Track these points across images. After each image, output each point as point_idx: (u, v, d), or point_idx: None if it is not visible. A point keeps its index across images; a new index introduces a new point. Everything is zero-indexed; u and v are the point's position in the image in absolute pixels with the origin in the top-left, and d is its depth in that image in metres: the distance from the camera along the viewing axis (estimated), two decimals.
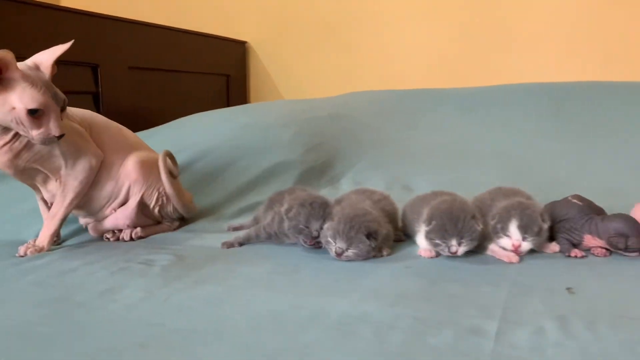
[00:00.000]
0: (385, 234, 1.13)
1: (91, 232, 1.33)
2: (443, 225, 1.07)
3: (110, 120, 1.37)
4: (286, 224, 1.13)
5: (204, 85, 2.90)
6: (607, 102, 2.05)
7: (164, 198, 1.35)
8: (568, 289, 0.91)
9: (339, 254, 1.07)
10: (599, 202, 1.25)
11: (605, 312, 0.81)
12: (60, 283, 0.98)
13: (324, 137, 1.95)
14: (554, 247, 1.14)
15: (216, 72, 2.97)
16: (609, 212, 1.20)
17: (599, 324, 0.77)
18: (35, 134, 1.08)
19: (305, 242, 1.13)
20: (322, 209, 1.12)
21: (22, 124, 1.07)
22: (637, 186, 1.60)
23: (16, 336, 0.77)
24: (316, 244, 1.14)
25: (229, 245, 1.20)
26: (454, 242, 1.07)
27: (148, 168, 1.33)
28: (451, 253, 1.07)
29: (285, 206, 1.14)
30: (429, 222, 1.09)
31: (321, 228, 1.11)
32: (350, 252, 1.07)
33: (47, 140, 1.10)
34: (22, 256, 1.17)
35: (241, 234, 1.24)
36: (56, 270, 1.04)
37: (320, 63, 2.99)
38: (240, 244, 1.21)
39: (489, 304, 0.85)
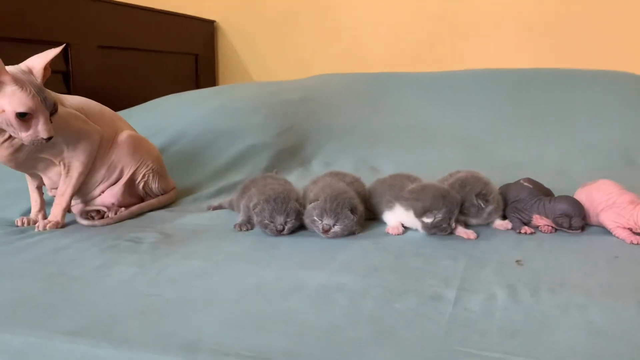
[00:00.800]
0: (360, 212, 1.24)
1: (76, 212, 1.38)
2: (451, 210, 1.18)
3: (103, 106, 1.42)
4: (255, 219, 1.21)
5: (173, 64, 2.92)
6: (559, 88, 2.19)
7: (150, 174, 1.42)
8: (517, 261, 1.03)
9: (326, 230, 1.17)
10: (548, 183, 1.39)
11: (547, 281, 0.93)
12: (54, 260, 1.04)
13: (294, 120, 2.04)
14: (507, 224, 1.27)
15: (185, 51, 2.99)
16: (557, 192, 1.34)
17: (541, 291, 0.89)
18: (24, 135, 1.13)
19: (272, 234, 1.21)
20: (285, 203, 1.19)
21: (12, 125, 1.12)
22: (583, 168, 1.75)
23: (22, 307, 0.84)
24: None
25: (245, 226, 1.26)
26: (453, 219, 1.19)
27: (140, 142, 1.42)
28: (452, 229, 1.19)
29: (254, 201, 1.22)
30: (430, 213, 1.17)
31: (285, 222, 1.19)
32: (337, 228, 1.17)
33: (36, 142, 1.15)
34: (41, 231, 1.24)
35: (243, 216, 1.29)
36: (49, 248, 1.11)
37: (288, 43, 3.04)
38: (248, 228, 1.26)
39: (448, 275, 0.96)
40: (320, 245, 1.14)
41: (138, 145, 1.41)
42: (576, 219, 1.20)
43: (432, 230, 1.19)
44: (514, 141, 1.98)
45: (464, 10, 2.69)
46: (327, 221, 1.17)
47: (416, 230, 1.23)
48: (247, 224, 1.26)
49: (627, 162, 1.79)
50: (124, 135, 1.39)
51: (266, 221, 1.19)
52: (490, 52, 2.69)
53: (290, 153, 1.89)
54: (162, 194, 1.47)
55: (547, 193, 1.35)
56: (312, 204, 1.19)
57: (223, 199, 1.50)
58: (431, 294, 0.88)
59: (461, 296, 0.87)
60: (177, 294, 0.88)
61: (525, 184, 1.35)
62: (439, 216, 1.17)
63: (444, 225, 1.18)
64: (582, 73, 2.28)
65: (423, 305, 0.84)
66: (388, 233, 1.23)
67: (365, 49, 2.90)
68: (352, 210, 1.18)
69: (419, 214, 1.19)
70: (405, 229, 1.25)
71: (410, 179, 1.32)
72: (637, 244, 1.14)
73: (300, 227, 1.23)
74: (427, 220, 1.18)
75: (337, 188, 1.21)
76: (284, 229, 1.20)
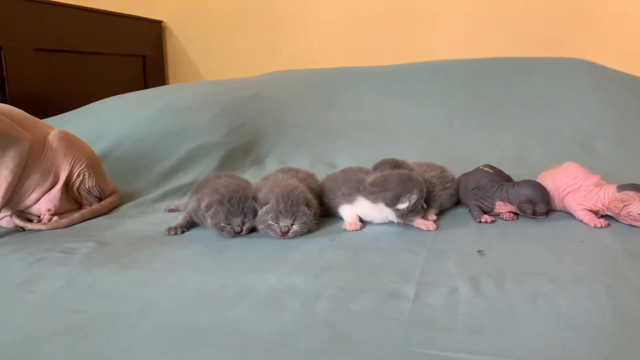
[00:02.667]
0: (315, 206, 1.16)
1: (5, 225, 1.26)
2: (421, 190, 1.13)
3: (25, 112, 1.31)
4: (208, 222, 1.12)
5: (119, 67, 2.79)
6: (513, 77, 2.16)
7: (86, 172, 1.32)
8: (479, 251, 0.98)
9: (285, 232, 1.08)
10: (507, 171, 1.35)
11: (512, 270, 0.88)
12: None
13: (246, 118, 1.94)
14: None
15: (131, 53, 2.86)
16: (516, 179, 1.29)
17: (506, 281, 0.83)
18: None
19: (229, 236, 1.12)
20: (241, 204, 1.10)
21: None
22: (540, 155, 1.72)
23: None
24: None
25: (174, 230, 1.16)
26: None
27: (71, 139, 1.33)
28: (424, 210, 1.15)
29: (206, 202, 1.12)
30: (404, 198, 1.11)
31: (243, 223, 1.11)
32: (296, 227, 1.09)
33: None
34: None
35: (180, 219, 1.21)
36: None
37: (240, 42, 2.95)
38: (183, 230, 1.17)
39: (407, 269, 0.90)
40: (272, 245, 1.06)
41: (70, 142, 1.31)
42: (540, 205, 1.15)
43: (409, 215, 1.13)
44: (470, 131, 1.94)
45: (417, 3, 2.66)
46: (284, 223, 1.08)
47: (377, 224, 1.18)
48: (181, 228, 1.17)
49: (583, 147, 1.77)
50: (54, 133, 1.29)
51: (222, 224, 1.10)
52: (445, 44, 2.66)
53: (242, 152, 1.80)
54: (100, 196, 1.36)
55: (508, 179, 1.30)
56: (264, 207, 1.10)
57: (179, 202, 1.39)
58: (390, 291, 0.81)
59: (421, 291, 0.81)
60: (108, 309, 0.78)
61: (486, 169, 1.31)
62: (414, 198, 1.12)
63: (419, 207, 1.13)
64: (537, 61, 2.26)
65: (381, 303, 0.77)
66: (345, 229, 1.16)
67: (319, 45, 2.83)
68: (308, 206, 1.11)
69: (392, 203, 1.13)
70: (363, 224, 1.18)
71: (363, 171, 1.26)
72: (601, 227, 1.11)
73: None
74: (402, 206, 1.12)
75: (286, 186, 1.13)
76: (241, 230, 1.11)
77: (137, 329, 0.72)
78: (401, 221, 1.15)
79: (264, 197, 1.12)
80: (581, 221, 1.14)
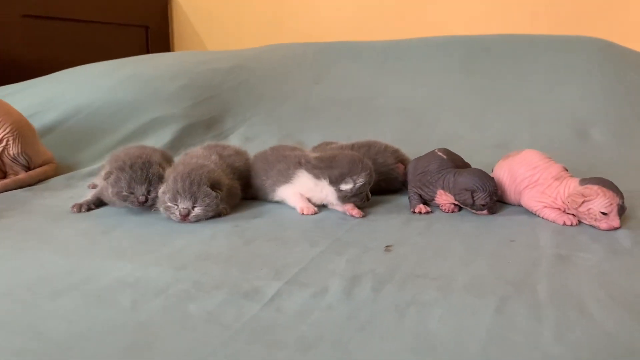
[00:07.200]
0: (229, 187, 1.05)
1: None
2: (370, 175, 1.05)
3: None
4: (110, 191, 1.02)
5: (119, 37, 2.71)
6: (517, 56, 1.95)
7: (10, 138, 1.25)
8: (387, 247, 0.84)
9: (185, 216, 0.97)
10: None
11: (406, 271, 0.74)
12: None
13: (218, 90, 1.84)
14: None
15: (133, 23, 2.79)
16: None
17: (389, 285, 0.70)
18: None
19: (133, 206, 1.03)
20: (145, 170, 1.00)
21: None
22: (528, 141, 1.54)
23: None
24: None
25: (78, 207, 1.07)
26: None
27: None
28: (369, 199, 1.06)
29: (106, 169, 1.02)
30: (350, 179, 1.03)
31: (148, 191, 1.01)
32: (198, 210, 0.98)
33: None
34: None
35: (90, 195, 1.12)
36: None
37: (247, 14, 2.83)
38: (90, 207, 1.08)
39: (289, 263, 0.78)
40: (165, 228, 0.96)
41: None
42: (480, 195, 1.00)
43: (351, 199, 1.03)
44: (458, 113, 1.77)
45: None
46: (183, 204, 0.97)
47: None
48: (88, 204, 1.07)
49: (579, 134, 1.58)
50: None
51: (124, 192, 1.01)
52: (459, 20, 2.45)
53: (204, 126, 1.70)
54: (28, 165, 1.29)
55: (464, 167, 1.15)
56: (162, 187, 0.99)
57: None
58: (247, 289, 0.69)
59: (284, 291, 0.69)
60: None
61: (439, 153, 1.15)
62: (360, 181, 1.02)
63: (363, 194, 1.04)
64: (544, 39, 2.04)
65: (225, 305, 0.65)
66: (303, 214, 1.04)
67: (325, 18, 2.68)
68: (214, 186, 0.99)
69: (336, 181, 1.03)
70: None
71: (297, 149, 1.14)
72: (572, 225, 0.94)
73: None
74: (346, 187, 1.03)
75: (190, 164, 1.02)
76: (146, 199, 1.01)
77: None
78: (340, 204, 1.04)
79: (167, 176, 1.01)
80: (548, 220, 0.97)
